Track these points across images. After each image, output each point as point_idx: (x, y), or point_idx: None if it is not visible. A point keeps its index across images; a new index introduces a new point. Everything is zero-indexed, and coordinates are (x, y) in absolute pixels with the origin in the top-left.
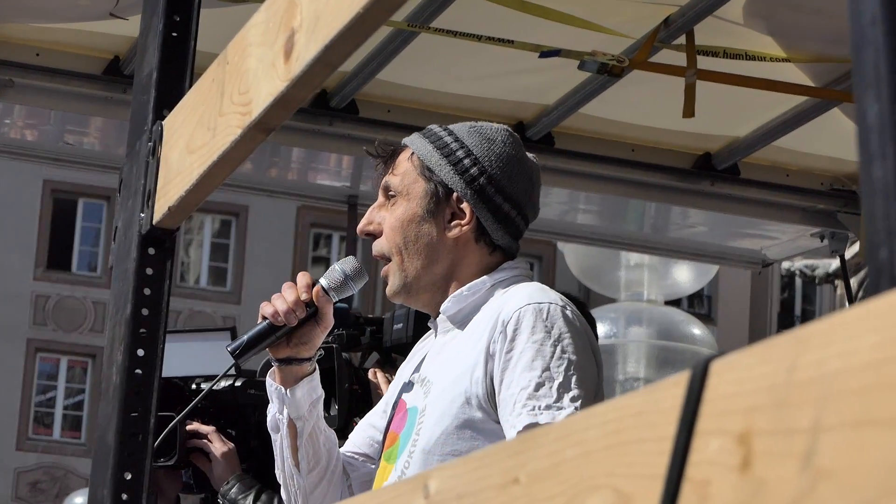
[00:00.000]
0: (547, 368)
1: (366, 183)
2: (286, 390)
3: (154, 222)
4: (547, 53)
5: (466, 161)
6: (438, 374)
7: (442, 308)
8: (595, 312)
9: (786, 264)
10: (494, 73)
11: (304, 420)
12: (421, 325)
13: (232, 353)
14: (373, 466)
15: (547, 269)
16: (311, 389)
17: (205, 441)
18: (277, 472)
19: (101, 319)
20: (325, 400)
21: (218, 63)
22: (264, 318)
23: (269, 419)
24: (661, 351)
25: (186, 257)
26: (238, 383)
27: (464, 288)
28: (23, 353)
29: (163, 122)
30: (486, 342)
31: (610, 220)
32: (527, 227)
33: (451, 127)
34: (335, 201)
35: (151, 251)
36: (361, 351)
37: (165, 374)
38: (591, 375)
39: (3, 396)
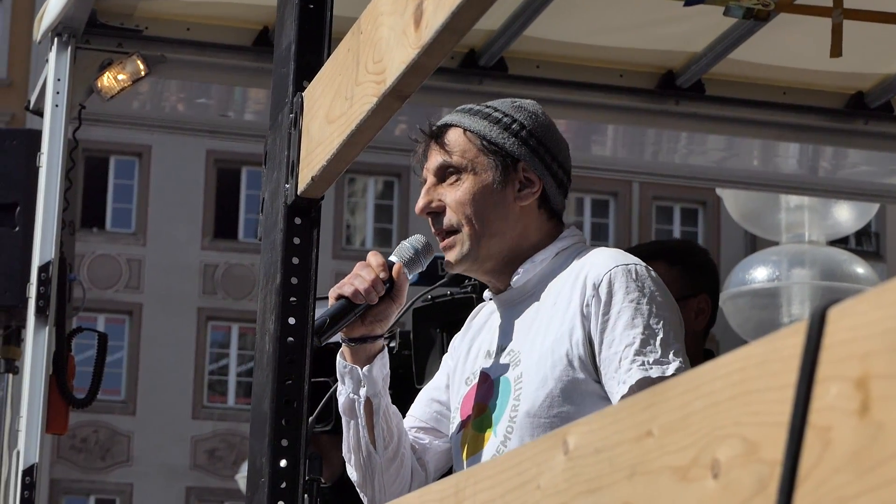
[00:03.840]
0: (648, 326)
1: None
2: (362, 369)
3: (299, 192)
4: (692, 1)
5: (524, 133)
6: (527, 343)
7: (513, 281)
8: (757, 256)
9: None
10: (641, 23)
11: (379, 397)
12: None
13: (315, 332)
14: (444, 441)
15: (712, 215)
16: (383, 366)
17: None
18: (348, 455)
19: None
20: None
21: (352, 33)
22: (341, 297)
23: (342, 401)
24: (825, 292)
25: (352, 220)
26: (393, 344)
27: (535, 257)
28: (194, 322)
29: (303, 94)
30: (577, 305)
31: (767, 164)
32: None
33: (492, 104)
34: None
35: (298, 221)
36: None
37: None
38: (681, 329)
39: (176, 366)
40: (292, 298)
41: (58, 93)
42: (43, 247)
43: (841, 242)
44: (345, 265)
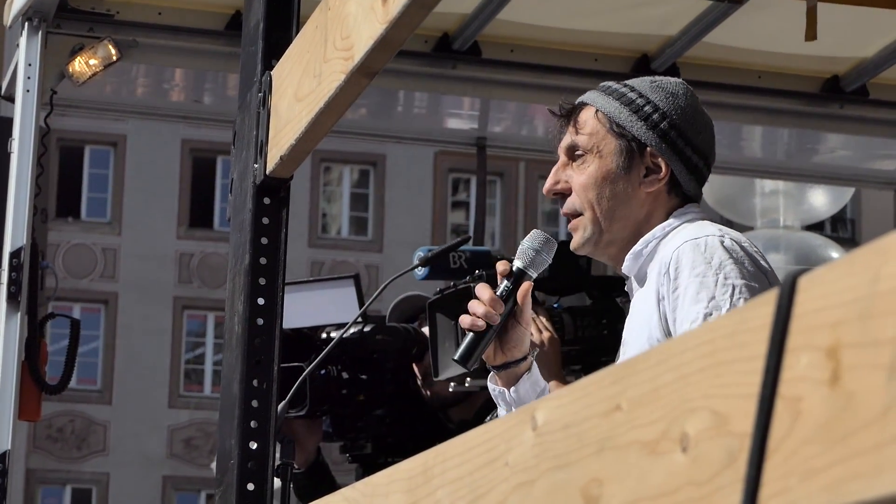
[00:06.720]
0: (712, 297)
1: (495, 124)
2: (510, 391)
3: (267, 172)
4: None
5: (656, 116)
6: (631, 333)
7: (624, 269)
8: None
9: None
10: (616, 6)
11: None
12: (562, 259)
13: (460, 362)
14: None
15: None
16: (534, 384)
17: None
18: None
19: None
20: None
21: (320, 9)
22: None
23: None
24: None
25: (328, 208)
26: (367, 329)
27: (637, 244)
28: (170, 311)
29: (271, 73)
30: (654, 288)
31: (742, 148)
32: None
33: (630, 83)
34: (463, 144)
35: (267, 201)
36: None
37: (294, 324)
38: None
39: (153, 355)
40: (261, 279)
41: (28, 78)
42: (14, 233)
43: (816, 229)
44: (320, 253)
